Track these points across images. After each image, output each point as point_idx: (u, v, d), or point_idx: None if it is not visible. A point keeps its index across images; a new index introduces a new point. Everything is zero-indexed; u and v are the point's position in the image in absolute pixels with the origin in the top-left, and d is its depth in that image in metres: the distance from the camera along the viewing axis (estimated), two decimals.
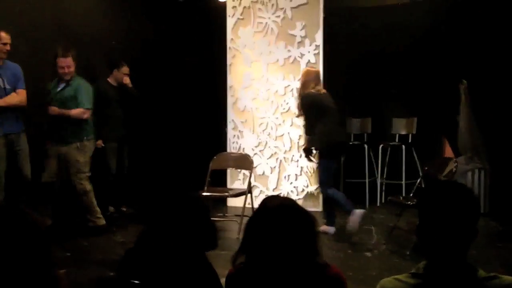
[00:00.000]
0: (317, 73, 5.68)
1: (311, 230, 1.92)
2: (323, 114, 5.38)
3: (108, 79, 6.26)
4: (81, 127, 5.46)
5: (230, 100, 6.97)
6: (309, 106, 5.44)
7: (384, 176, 7.06)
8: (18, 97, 5.02)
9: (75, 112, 5.39)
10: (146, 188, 6.22)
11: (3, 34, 4.93)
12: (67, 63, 5.31)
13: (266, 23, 6.74)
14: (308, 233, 1.90)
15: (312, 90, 5.44)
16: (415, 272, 1.71)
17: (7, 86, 4.96)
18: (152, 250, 1.82)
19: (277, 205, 1.93)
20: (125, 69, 6.26)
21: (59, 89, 5.40)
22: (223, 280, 2.38)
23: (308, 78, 5.52)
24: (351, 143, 7.12)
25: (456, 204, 1.67)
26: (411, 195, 5.62)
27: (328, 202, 5.61)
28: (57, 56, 5.30)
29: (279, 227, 1.84)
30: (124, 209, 6.39)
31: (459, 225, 1.65)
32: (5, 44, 4.93)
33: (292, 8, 6.61)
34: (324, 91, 5.56)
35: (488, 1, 6.49)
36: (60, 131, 5.41)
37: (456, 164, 5.23)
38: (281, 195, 5.94)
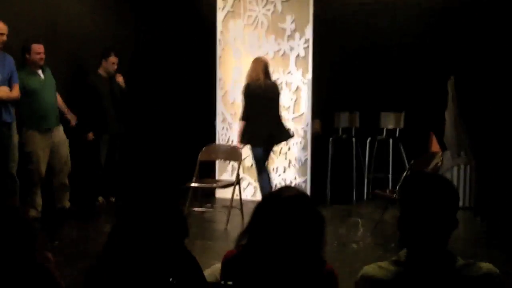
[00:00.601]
0: (266, 62, 5.85)
1: (320, 228, 1.94)
2: (256, 105, 5.68)
3: (98, 70, 6.27)
4: None
5: (219, 93, 6.99)
6: (246, 96, 5.74)
7: (372, 170, 7.13)
8: (14, 93, 5.06)
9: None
10: (134, 179, 6.24)
11: (0, 25, 4.91)
12: (42, 49, 5.33)
13: (256, 16, 6.77)
14: (316, 230, 1.91)
15: (259, 80, 5.66)
16: (396, 259, 1.76)
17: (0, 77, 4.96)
18: (127, 242, 1.84)
19: (292, 195, 1.93)
20: (113, 59, 6.26)
21: (42, 77, 5.41)
22: (210, 269, 2.41)
23: (258, 66, 5.73)
24: (338, 136, 7.18)
25: (435, 195, 1.71)
26: (397, 188, 5.68)
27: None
28: (29, 43, 5.29)
29: (290, 218, 1.85)
30: (113, 199, 6.41)
31: (438, 216, 1.70)
32: (1, 34, 4.93)
33: (282, 1, 6.63)
34: (270, 82, 5.80)
35: (477, 0, 6.56)
36: (54, 114, 5.51)
37: (442, 158, 5.29)
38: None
